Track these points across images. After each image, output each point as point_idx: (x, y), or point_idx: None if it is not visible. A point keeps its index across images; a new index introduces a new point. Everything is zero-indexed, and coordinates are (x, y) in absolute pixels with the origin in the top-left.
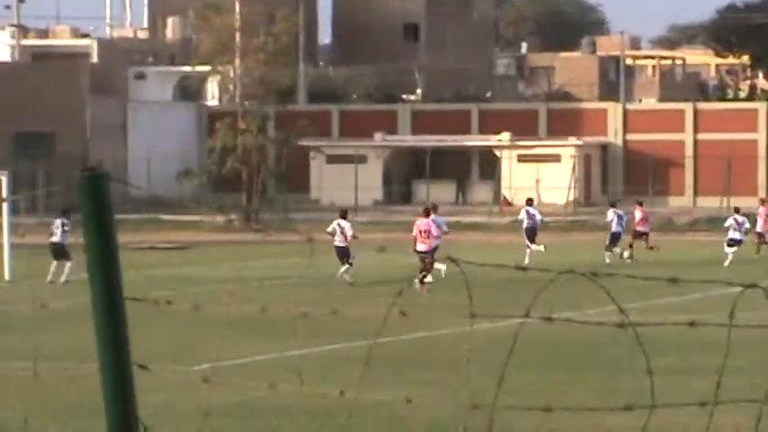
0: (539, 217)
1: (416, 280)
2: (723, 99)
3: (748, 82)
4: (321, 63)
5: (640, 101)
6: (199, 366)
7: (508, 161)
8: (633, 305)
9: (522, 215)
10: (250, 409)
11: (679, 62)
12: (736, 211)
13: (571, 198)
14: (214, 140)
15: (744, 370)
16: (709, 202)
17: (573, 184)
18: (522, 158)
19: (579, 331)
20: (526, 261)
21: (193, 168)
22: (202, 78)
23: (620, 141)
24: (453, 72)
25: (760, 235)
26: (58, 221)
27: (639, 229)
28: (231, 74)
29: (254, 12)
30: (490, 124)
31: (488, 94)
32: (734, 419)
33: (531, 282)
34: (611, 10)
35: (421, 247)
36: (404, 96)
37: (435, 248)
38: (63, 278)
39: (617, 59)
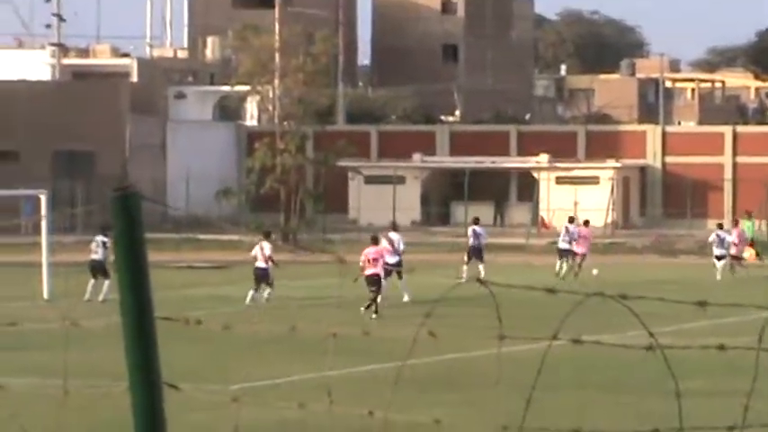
0: (484, 237)
1: (363, 308)
2: (762, 122)
3: None
4: (360, 84)
5: (679, 123)
6: (235, 386)
7: (546, 183)
8: (668, 329)
9: (469, 234)
10: (285, 429)
11: (718, 85)
12: (720, 227)
13: (609, 220)
14: (253, 160)
15: None
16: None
17: (611, 207)
18: (560, 180)
19: (615, 353)
20: (464, 278)
21: (232, 188)
22: (242, 98)
23: (658, 164)
24: (492, 93)
25: (735, 257)
26: (98, 238)
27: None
28: (270, 94)
29: (293, 32)
30: (529, 146)
31: (527, 116)
32: None
33: (568, 303)
34: (651, 32)
35: (369, 270)
36: (442, 117)
37: (399, 264)
38: (101, 297)
39: (656, 82)
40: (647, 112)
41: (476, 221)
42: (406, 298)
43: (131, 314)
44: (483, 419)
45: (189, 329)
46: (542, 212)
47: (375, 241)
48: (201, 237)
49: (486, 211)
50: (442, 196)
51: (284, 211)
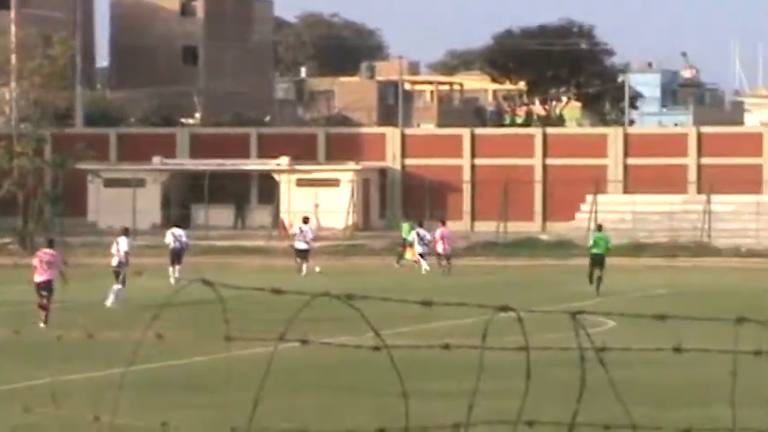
0: (185, 239)
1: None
2: (500, 124)
3: (525, 108)
4: (98, 86)
5: (419, 125)
6: None
7: (287, 185)
8: (406, 329)
9: (169, 238)
10: None
11: (457, 88)
12: (420, 225)
13: (350, 222)
14: None
15: (499, 393)
16: (486, 227)
17: (351, 209)
18: (300, 183)
19: (359, 355)
20: (172, 281)
21: None
22: None
23: (398, 166)
24: (232, 95)
25: (447, 257)
26: None
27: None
28: (7, 96)
29: (30, 34)
30: (269, 148)
31: (267, 118)
32: None
33: (309, 305)
34: (390, 35)
35: (38, 278)
36: (182, 120)
37: (117, 265)
38: None
39: (395, 84)
40: (387, 115)
41: (176, 224)
42: (107, 302)
43: None
44: (216, 422)
45: None
46: (283, 215)
47: (50, 244)
48: None
49: (226, 214)
50: (183, 199)
51: (22, 214)
